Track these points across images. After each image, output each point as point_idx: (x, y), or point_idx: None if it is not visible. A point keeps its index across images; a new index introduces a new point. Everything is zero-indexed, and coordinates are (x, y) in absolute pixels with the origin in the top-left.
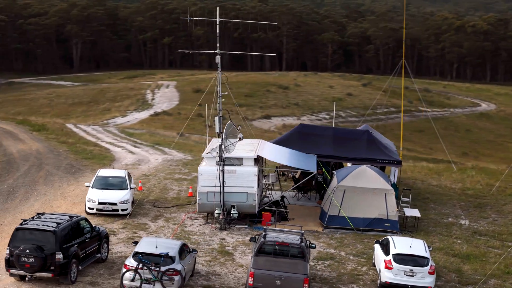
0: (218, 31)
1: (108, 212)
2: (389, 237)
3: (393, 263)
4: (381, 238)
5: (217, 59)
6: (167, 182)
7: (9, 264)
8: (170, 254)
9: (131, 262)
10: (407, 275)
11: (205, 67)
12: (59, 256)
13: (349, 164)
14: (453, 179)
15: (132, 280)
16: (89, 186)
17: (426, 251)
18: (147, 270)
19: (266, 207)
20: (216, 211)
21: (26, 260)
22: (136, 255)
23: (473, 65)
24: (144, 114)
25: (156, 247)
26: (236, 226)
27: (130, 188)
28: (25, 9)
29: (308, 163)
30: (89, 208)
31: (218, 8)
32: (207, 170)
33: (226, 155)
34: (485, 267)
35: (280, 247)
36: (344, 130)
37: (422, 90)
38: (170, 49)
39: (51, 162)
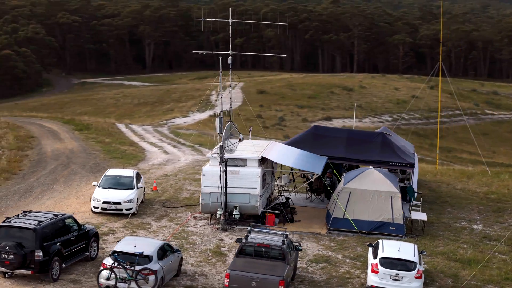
0: (230, 32)
1: (112, 211)
2: (380, 241)
3: (379, 267)
4: (374, 242)
5: (229, 59)
6: (184, 183)
7: None
8: (146, 254)
9: (108, 260)
10: (393, 279)
11: (276, 69)
12: (39, 253)
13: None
14: (481, 183)
15: (108, 278)
16: (97, 186)
17: (414, 256)
18: (123, 269)
19: (271, 208)
20: (217, 212)
21: (6, 257)
22: (113, 253)
23: None
24: (204, 115)
25: (135, 246)
26: (238, 227)
27: (137, 188)
28: (99, 10)
29: (315, 164)
30: (94, 207)
31: (230, 9)
32: (211, 170)
33: (230, 156)
34: (484, 272)
35: (261, 249)
36: (359, 132)
37: (490, 93)
38: (242, 50)
39: (79, 161)
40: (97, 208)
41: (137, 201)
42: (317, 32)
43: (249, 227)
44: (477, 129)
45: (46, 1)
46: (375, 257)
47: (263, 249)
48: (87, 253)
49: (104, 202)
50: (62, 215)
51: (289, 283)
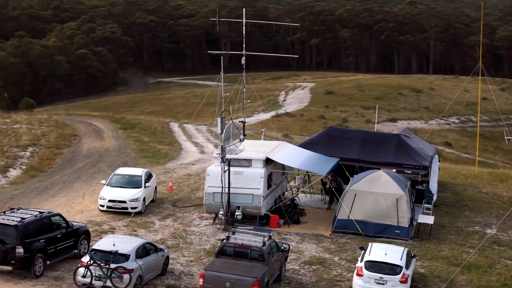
0: (244, 32)
1: (118, 209)
2: (370, 243)
3: (364, 270)
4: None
5: (243, 60)
6: (203, 183)
7: None
8: (123, 252)
9: (86, 258)
10: (377, 283)
11: (351, 69)
12: (20, 250)
13: None
14: (510, 188)
15: (84, 276)
16: (105, 184)
17: (401, 260)
18: (98, 267)
19: (276, 209)
20: (220, 212)
21: None
22: (91, 251)
23: None
24: (268, 115)
25: (113, 244)
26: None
27: (144, 187)
28: (176, 10)
29: (322, 166)
30: (101, 205)
31: (244, 9)
32: (215, 170)
33: (235, 156)
34: (483, 278)
35: (241, 249)
36: (374, 133)
37: None
38: (318, 51)
39: (108, 160)
40: (103, 206)
41: (144, 200)
42: (393, 33)
43: (233, 228)
44: None
45: (124, 1)
46: (362, 260)
47: (242, 250)
48: (76, 251)
49: (109, 201)
50: (49, 212)
51: (270, 284)
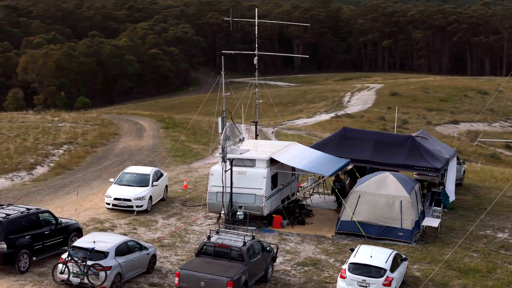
0: (256, 32)
1: (123, 207)
2: (360, 245)
3: (347, 272)
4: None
5: (255, 60)
6: None
7: None
8: (101, 250)
9: (65, 255)
10: (360, 285)
11: (423, 71)
12: (3, 246)
13: None
14: None
15: (62, 272)
16: (113, 182)
17: (386, 262)
18: (76, 264)
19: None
20: (222, 212)
21: None
22: (71, 248)
23: None
24: (328, 116)
25: (94, 242)
26: (242, 227)
27: (152, 186)
28: (249, 11)
29: (328, 166)
30: (107, 203)
31: (256, 9)
32: (219, 170)
33: (240, 156)
34: (480, 282)
35: (221, 249)
36: (388, 135)
37: None
38: (390, 52)
39: (137, 159)
40: (109, 204)
41: (151, 199)
42: (466, 35)
43: (217, 228)
44: None
45: (197, 1)
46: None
47: (222, 249)
48: (66, 248)
49: (115, 199)
50: (37, 209)
51: (250, 284)
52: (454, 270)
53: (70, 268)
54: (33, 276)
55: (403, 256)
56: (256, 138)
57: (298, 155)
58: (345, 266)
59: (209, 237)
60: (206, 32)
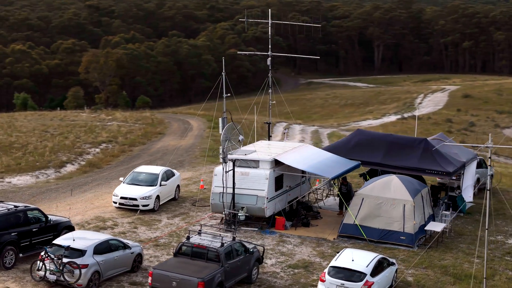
0: (270, 32)
1: (129, 206)
2: (344, 248)
3: (326, 276)
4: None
5: (268, 61)
6: None
7: None
8: (79, 248)
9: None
10: None
11: (505, 73)
12: None
13: None
14: None
15: (39, 269)
16: (122, 181)
17: (367, 266)
18: (52, 261)
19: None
20: (224, 212)
21: None
22: (48, 246)
23: None
24: (395, 118)
25: (73, 240)
26: (243, 228)
27: (160, 185)
28: (330, 11)
29: (334, 169)
30: (114, 202)
31: (270, 10)
32: (222, 171)
33: (243, 157)
34: None
35: (198, 250)
36: (402, 137)
37: None
38: (471, 54)
39: (169, 158)
40: (115, 203)
41: (159, 198)
42: None
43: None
44: None
45: (278, 2)
46: None
47: (200, 250)
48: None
49: (121, 198)
50: (25, 206)
51: (227, 286)
52: (451, 276)
53: (47, 265)
54: (17, 273)
55: (391, 260)
56: (269, 139)
57: (306, 157)
58: (325, 270)
59: (188, 238)
60: (287, 32)
